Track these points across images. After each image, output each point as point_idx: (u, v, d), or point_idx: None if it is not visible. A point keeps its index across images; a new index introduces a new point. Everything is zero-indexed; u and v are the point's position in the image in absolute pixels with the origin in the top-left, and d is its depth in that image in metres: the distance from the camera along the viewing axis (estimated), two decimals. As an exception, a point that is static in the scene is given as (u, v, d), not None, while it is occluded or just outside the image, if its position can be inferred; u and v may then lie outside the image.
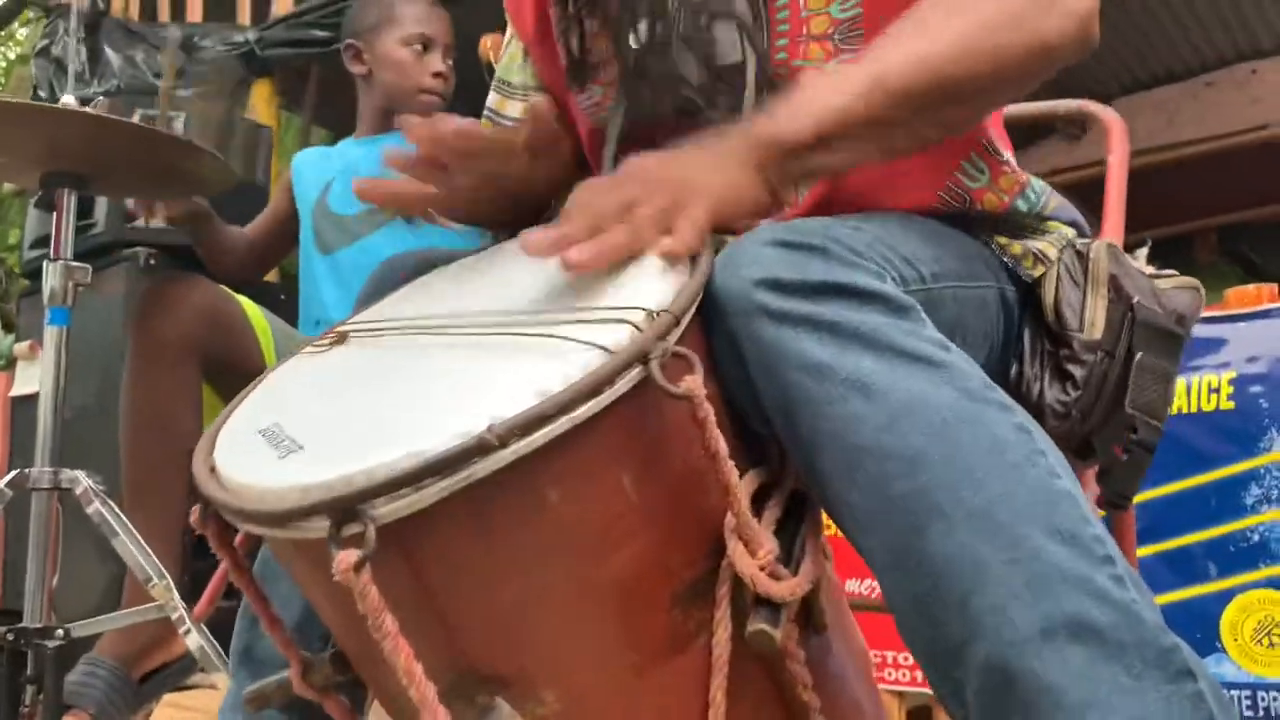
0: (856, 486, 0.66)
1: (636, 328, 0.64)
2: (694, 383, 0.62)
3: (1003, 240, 0.97)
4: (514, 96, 1.14)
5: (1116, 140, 1.39)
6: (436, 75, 2.00)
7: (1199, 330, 2.07)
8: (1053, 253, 0.97)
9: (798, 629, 0.70)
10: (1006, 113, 1.10)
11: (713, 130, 0.82)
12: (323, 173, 2.02)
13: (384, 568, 0.59)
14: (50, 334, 1.42)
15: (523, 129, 0.93)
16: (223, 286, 1.69)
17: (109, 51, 4.07)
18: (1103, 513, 1.17)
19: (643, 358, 0.62)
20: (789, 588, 0.66)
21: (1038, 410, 0.95)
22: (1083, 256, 0.97)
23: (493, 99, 1.17)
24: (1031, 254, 0.97)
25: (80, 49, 4.19)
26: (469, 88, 2.93)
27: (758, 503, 0.71)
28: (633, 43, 0.99)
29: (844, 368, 0.67)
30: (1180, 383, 2.04)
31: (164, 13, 4.21)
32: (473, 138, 0.90)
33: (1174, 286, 0.98)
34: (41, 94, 4.45)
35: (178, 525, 1.52)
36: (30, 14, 7.56)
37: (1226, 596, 1.89)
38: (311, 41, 3.58)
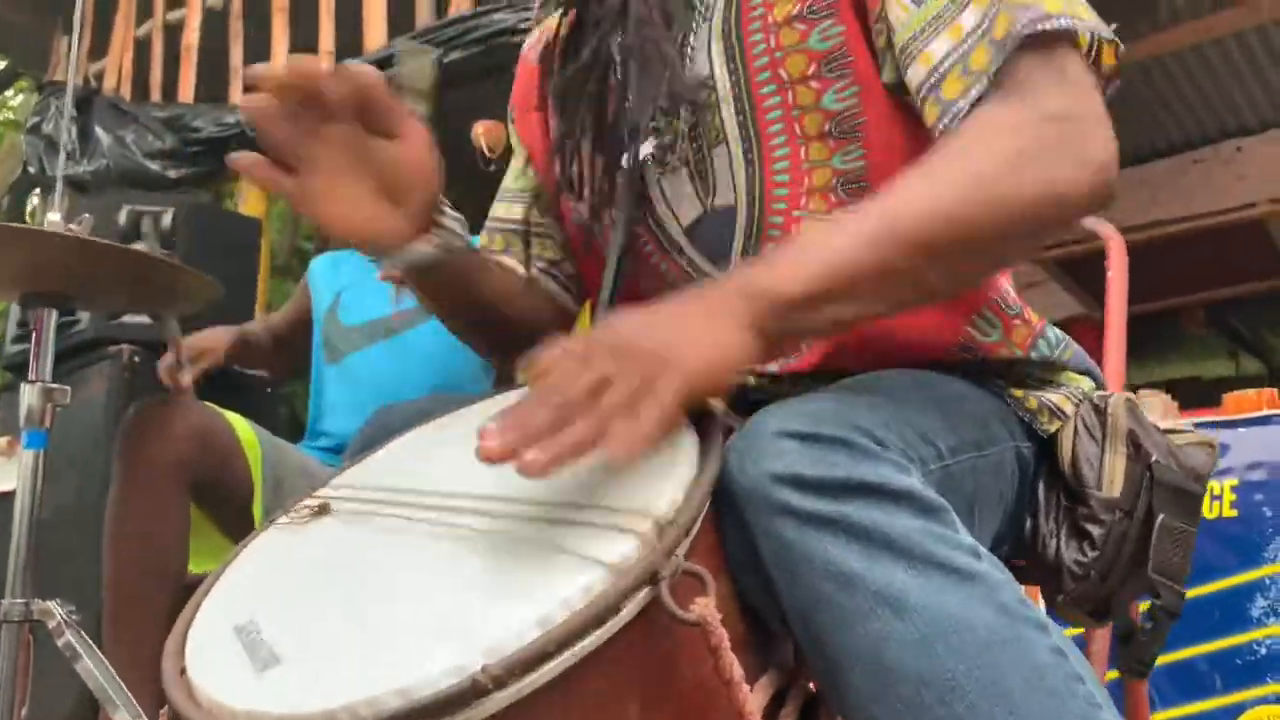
0: (886, 709, 0.62)
1: (643, 540, 0.60)
2: (707, 607, 0.58)
3: (1018, 393, 0.94)
4: (513, 200, 1.13)
5: (1116, 257, 1.36)
6: None
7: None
8: (1068, 407, 0.94)
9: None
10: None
11: (704, 280, 0.77)
12: (334, 282, 2.00)
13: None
14: (26, 459, 1.37)
15: (342, 86, 0.79)
16: (212, 407, 1.64)
17: (99, 130, 4.05)
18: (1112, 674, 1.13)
19: (651, 578, 0.58)
20: (806, 813, 0.62)
21: (1055, 569, 0.91)
22: (1100, 411, 0.93)
23: (494, 208, 1.16)
24: (1047, 409, 0.94)
25: (70, 127, 4.19)
26: (463, 170, 2.95)
27: (771, 714, 0.66)
28: (624, 163, 0.97)
29: (874, 579, 0.63)
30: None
31: (155, 92, 4.21)
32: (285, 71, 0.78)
33: (1189, 443, 0.95)
34: (31, 169, 4.44)
35: (158, 655, 1.46)
36: (25, 84, 7.60)
37: (1234, 711, 1.83)
38: (303, 124, 3.58)
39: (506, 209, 1.14)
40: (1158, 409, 2.07)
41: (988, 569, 0.66)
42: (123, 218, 2.31)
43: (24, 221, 4.78)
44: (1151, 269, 5.46)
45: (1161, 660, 1.87)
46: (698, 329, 0.69)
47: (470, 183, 3.46)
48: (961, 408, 0.86)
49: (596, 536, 0.61)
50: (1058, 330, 1.00)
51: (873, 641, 0.62)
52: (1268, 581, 1.88)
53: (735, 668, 0.59)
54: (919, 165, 0.76)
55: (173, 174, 3.83)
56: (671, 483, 0.64)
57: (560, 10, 1.05)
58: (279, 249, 5.14)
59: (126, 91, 4.36)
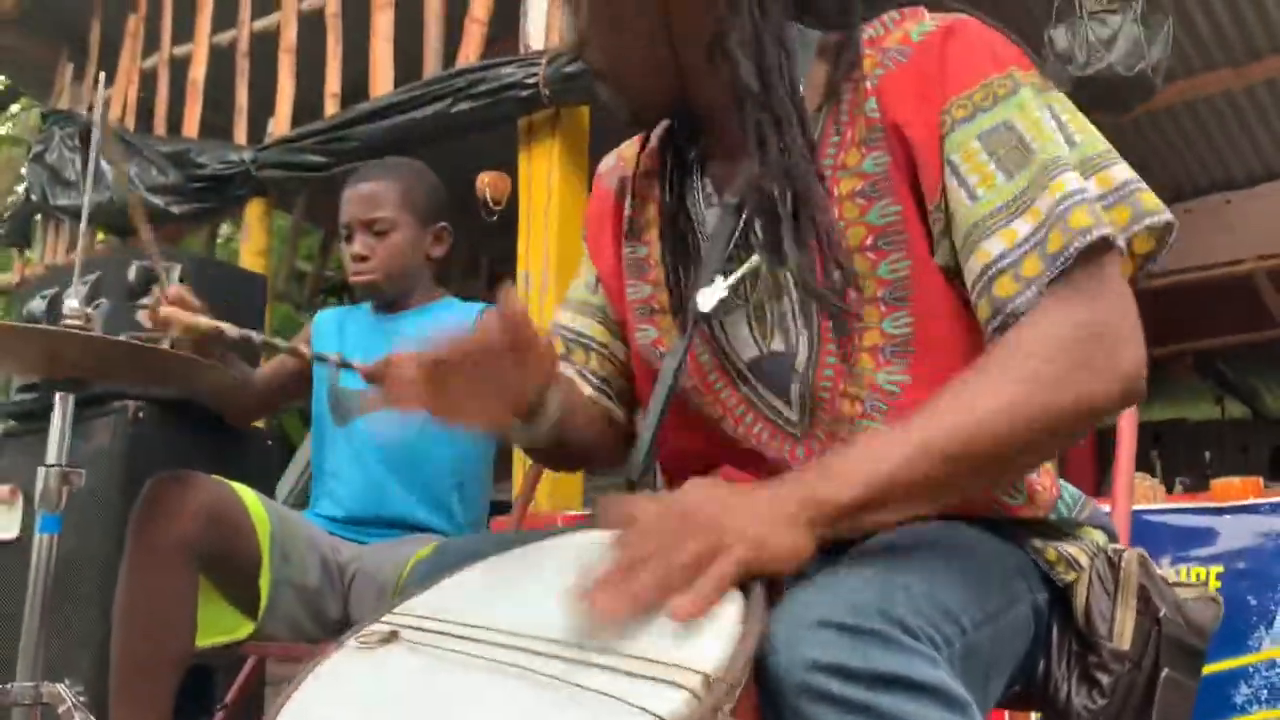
0: None
1: (694, 695, 0.64)
2: (751, 758, 0.63)
3: (1038, 544, 1.00)
4: (590, 315, 1.20)
5: (1126, 428, 1.37)
6: (354, 258, 1.96)
7: (1188, 520, 2.10)
8: (1084, 559, 1.00)
9: None
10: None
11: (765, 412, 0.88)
12: (339, 344, 2.01)
13: None
14: (40, 543, 1.39)
15: (502, 333, 0.92)
16: (223, 481, 1.67)
17: (103, 163, 4.08)
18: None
19: None
20: None
21: (1065, 713, 0.97)
22: (1114, 565, 0.99)
23: (562, 316, 1.22)
24: (1064, 560, 0.99)
25: (75, 158, 4.22)
26: (468, 216, 3.00)
27: None
28: (701, 304, 1.01)
29: None
30: (1169, 573, 2.05)
31: (160, 125, 4.24)
32: (463, 345, 0.92)
33: (1196, 598, 1.00)
34: (34, 197, 4.47)
35: (163, 730, 1.49)
36: (26, 101, 7.63)
37: (1218, 797, 1.87)
38: (306, 166, 3.61)
39: (580, 321, 1.20)
40: (1145, 491, 2.11)
41: None
42: (132, 274, 2.34)
43: (27, 245, 4.79)
44: (1143, 319, 5.54)
45: (1146, 744, 1.91)
46: (764, 523, 0.76)
47: (475, 228, 3.51)
48: (987, 574, 0.90)
49: (650, 687, 0.65)
50: (1073, 489, 1.05)
51: None
52: (1250, 670, 1.92)
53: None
54: (966, 378, 0.83)
55: (176, 209, 3.87)
56: (719, 641, 0.70)
57: (648, 140, 1.12)
58: (277, 273, 5.16)
59: (130, 122, 4.39)
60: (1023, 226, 0.88)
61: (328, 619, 1.74)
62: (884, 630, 0.72)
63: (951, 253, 0.94)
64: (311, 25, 3.85)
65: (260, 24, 4.01)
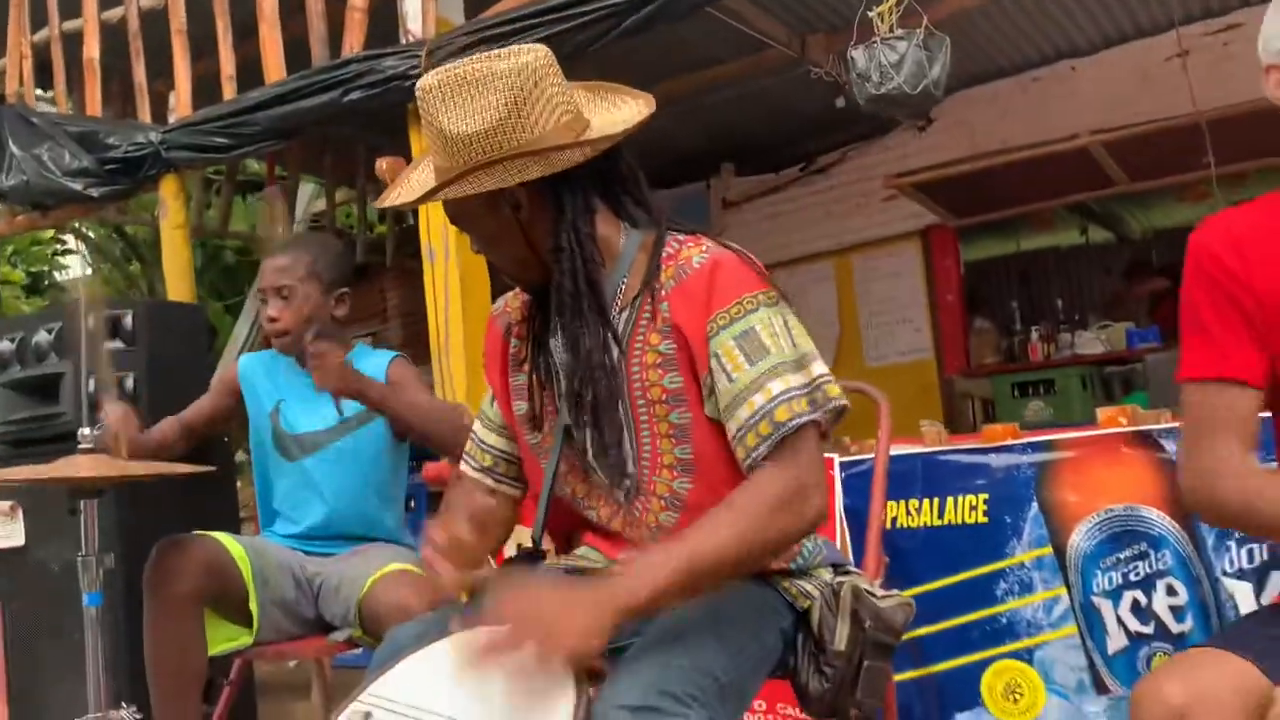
0: None
1: None
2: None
3: (785, 584, 1.50)
4: (489, 428, 1.68)
5: (884, 416, 1.91)
6: (267, 319, 2.38)
7: (964, 458, 2.70)
8: (815, 592, 1.50)
9: None
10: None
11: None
12: (272, 390, 2.46)
13: None
14: (90, 614, 1.88)
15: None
16: (210, 536, 2.17)
17: (14, 147, 4.26)
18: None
19: None
20: None
21: (804, 691, 1.50)
22: (836, 594, 1.49)
23: (476, 425, 1.70)
24: (802, 593, 1.50)
25: None
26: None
27: None
28: (562, 418, 1.50)
29: None
30: (950, 501, 2.66)
31: (61, 101, 4.41)
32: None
33: (894, 605, 1.50)
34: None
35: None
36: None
37: (984, 665, 2.53)
38: (213, 148, 3.89)
39: (486, 435, 1.69)
40: (933, 436, 2.69)
41: None
42: (92, 323, 2.72)
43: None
44: (1001, 185, 6.09)
45: (936, 627, 2.57)
46: (579, 615, 1.18)
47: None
48: (739, 627, 1.38)
49: None
50: (811, 544, 1.54)
51: None
52: (1008, 570, 2.55)
53: None
54: (718, 512, 1.30)
55: (95, 193, 4.11)
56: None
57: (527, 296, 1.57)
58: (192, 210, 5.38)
59: (29, 92, 4.54)
60: (759, 401, 1.36)
61: (305, 619, 2.28)
62: (658, 704, 1.18)
63: (716, 410, 1.42)
64: (201, 4, 4.01)
65: (148, 2, 4.16)
